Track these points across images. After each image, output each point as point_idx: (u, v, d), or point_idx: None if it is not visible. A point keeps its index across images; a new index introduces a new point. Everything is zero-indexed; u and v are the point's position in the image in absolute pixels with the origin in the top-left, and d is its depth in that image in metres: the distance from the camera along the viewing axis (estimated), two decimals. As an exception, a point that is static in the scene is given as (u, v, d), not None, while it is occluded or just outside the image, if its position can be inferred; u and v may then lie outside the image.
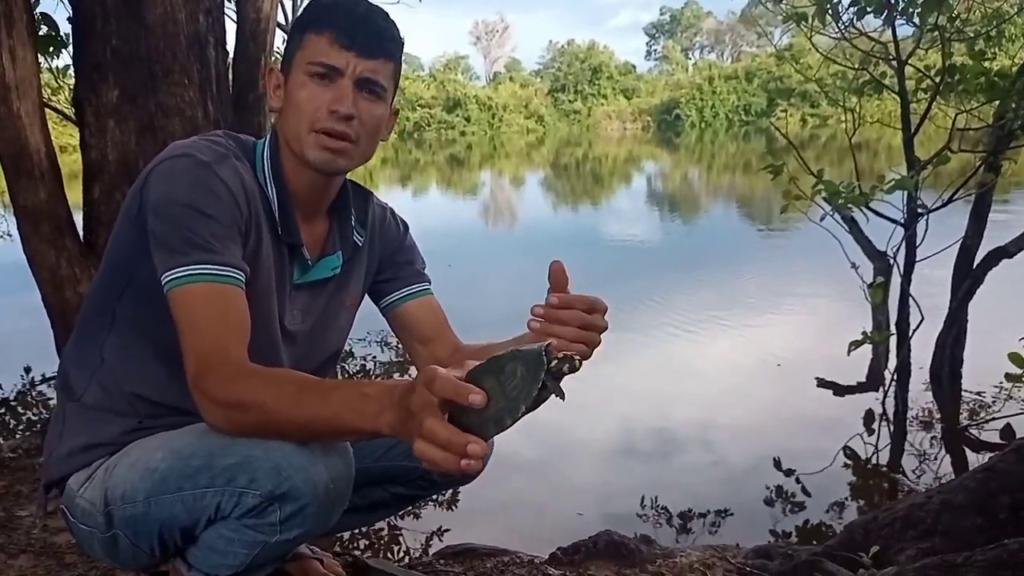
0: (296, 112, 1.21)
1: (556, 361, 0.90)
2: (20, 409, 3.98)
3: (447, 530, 2.59)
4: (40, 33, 2.99)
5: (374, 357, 4.76)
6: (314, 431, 1.04)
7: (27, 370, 4.40)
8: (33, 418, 3.84)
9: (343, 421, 0.98)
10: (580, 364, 0.92)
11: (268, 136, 1.29)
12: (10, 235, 8.29)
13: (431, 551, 2.37)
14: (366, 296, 1.49)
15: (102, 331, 1.26)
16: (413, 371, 4.34)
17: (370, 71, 1.21)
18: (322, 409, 1.00)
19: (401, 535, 2.59)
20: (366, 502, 1.46)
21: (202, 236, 1.12)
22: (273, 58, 3.99)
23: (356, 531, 2.54)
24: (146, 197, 1.16)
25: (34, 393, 4.18)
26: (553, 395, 0.90)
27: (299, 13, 1.32)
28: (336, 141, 1.21)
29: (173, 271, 1.11)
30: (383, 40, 1.22)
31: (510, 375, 0.89)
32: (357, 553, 2.22)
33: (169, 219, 1.12)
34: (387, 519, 2.55)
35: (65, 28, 3.19)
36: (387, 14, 1.25)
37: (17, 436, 3.49)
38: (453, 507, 2.76)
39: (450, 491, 2.80)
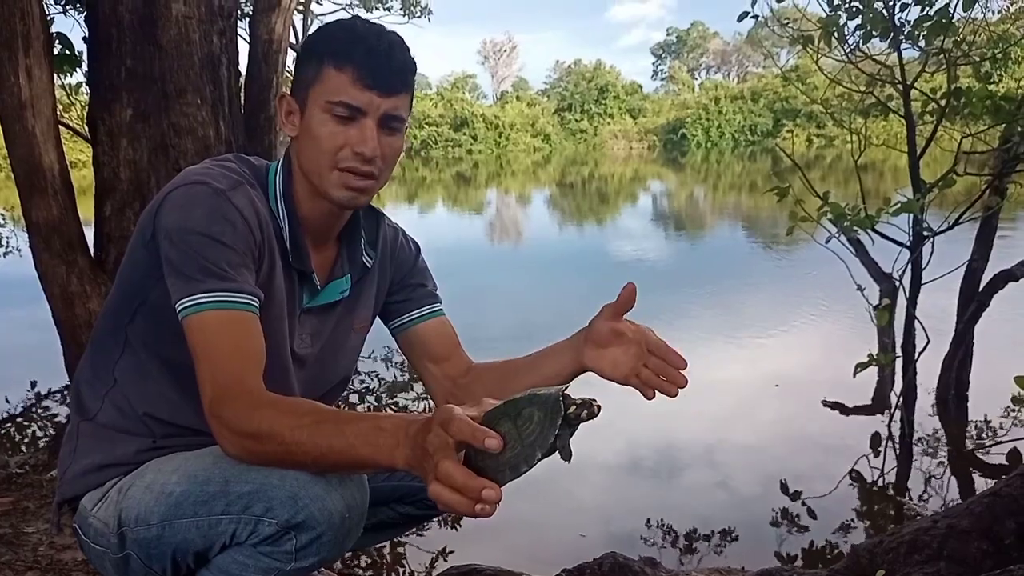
0: (317, 149, 1.21)
1: (574, 407, 0.90)
2: (26, 424, 3.99)
3: (451, 551, 2.58)
4: (55, 52, 3.03)
5: (378, 374, 4.77)
6: (329, 463, 1.04)
7: (33, 384, 4.42)
8: (39, 433, 3.85)
9: (358, 454, 0.98)
10: (599, 411, 0.91)
11: (281, 161, 1.30)
12: (19, 250, 8.37)
13: (435, 571, 2.37)
14: (376, 317, 1.49)
15: (115, 351, 1.27)
16: (419, 388, 4.36)
17: (391, 108, 1.21)
18: (337, 441, 1.00)
19: (405, 555, 2.58)
20: (373, 521, 1.45)
21: (217, 264, 1.12)
22: (285, 78, 4.03)
23: (360, 550, 2.54)
24: (160, 223, 1.16)
25: (40, 408, 4.20)
26: (559, 452, 0.89)
27: (311, 34, 1.29)
28: (360, 180, 1.21)
29: (188, 299, 1.12)
30: (404, 75, 1.22)
31: (527, 420, 0.89)
32: (360, 572, 2.22)
33: (184, 247, 1.13)
34: (392, 539, 2.55)
35: (80, 47, 3.24)
36: (403, 41, 1.23)
37: (23, 452, 3.51)
38: (457, 527, 2.76)
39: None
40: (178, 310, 1.13)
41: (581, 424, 0.91)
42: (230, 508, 1.10)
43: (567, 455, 0.90)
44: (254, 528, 1.09)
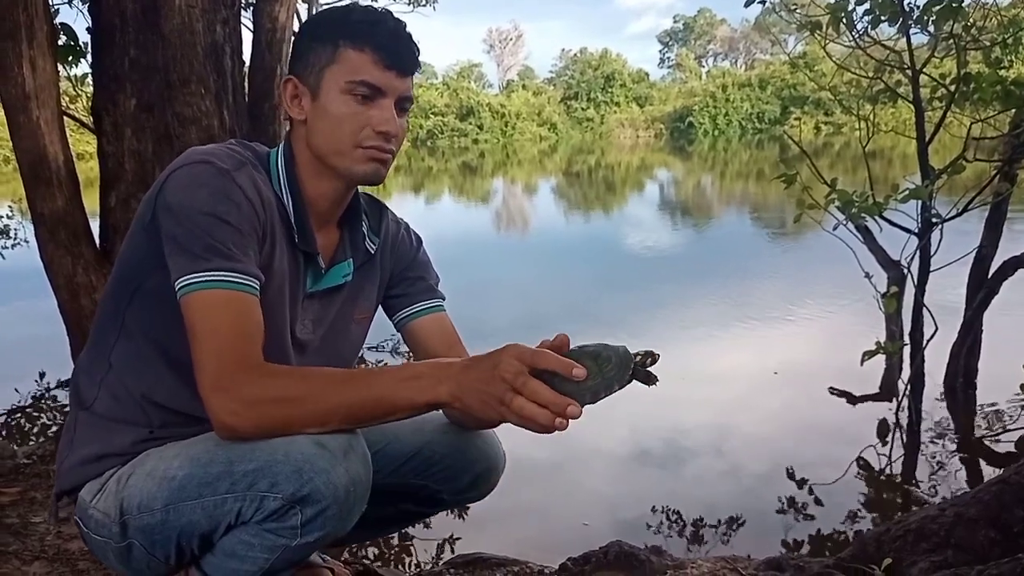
0: (337, 128, 1.22)
1: (639, 356, 1.10)
2: (35, 415, 4.02)
3: (458, 539, 2.59)
4: (59, 43, 3.03)
5: (385, 364, 4.77)
6: (361, 416, 1.10)
7: (42, 375, 4.44)
8: (48, 423, 3.88)
9: (398, 395, 1.08)
10: (659, 356, 1.11)
11: (281, 146, 1.30)
12: (27, 242, 8.40)
13: (441, 560, 2.38)
14: (379, 308, 1.49)
15: (112, 336, 1.27)
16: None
17: (407, 90, 1.25)
18: (368, 392, 1.09)
19: (411, 544, 2.59)
20: (375, 516, 1.46)
21: (223, 243, 1.13)
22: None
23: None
24: (162, 202, 1.16)
25: (48, 399, 4.22)
26: (645, 383, 1.10)
27: (317, 17, 1.30)
28: (382, 155, 1.25)
29: (190, 276, 1.12)
30: (416, 57, 1.26)
31: (606, 360, 1.06)
32: (367, 562, 2.22)
33: (190, 225, 1.13)
34: (391, 534, 2.56)
35: (84, 37, 3.23)
36: (407, 26, 1.27)
37: (31, 442, 3.53)
38: (464, 516, 2.76)
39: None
40: (178, 287, 1.12)
41: (647, 368, 1.10)
42: (235, 487, 1.11)
43: (654, 380, 1.10)
44: (259, 504, 1.10)
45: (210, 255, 1.12)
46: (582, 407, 1.02)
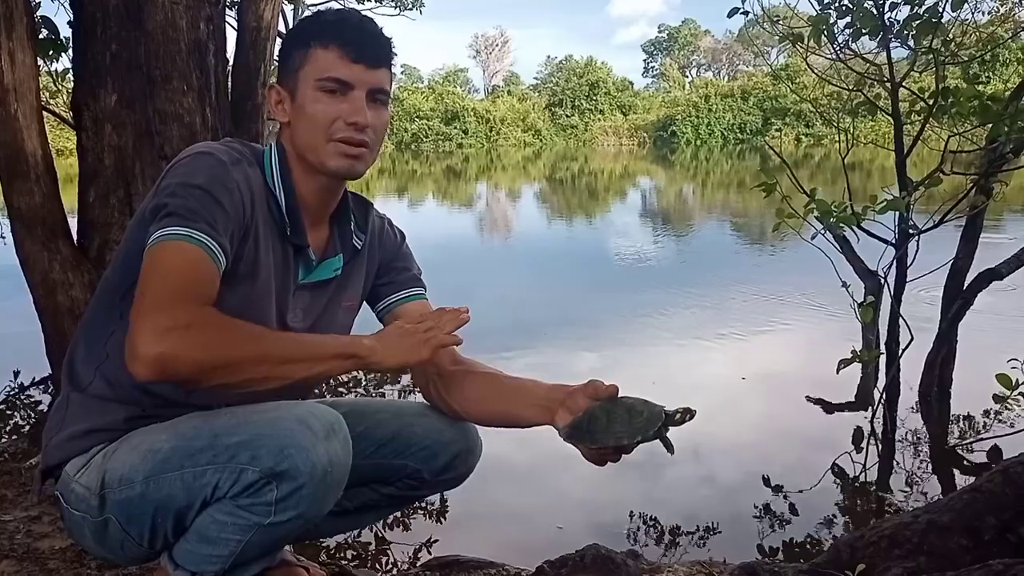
0: (312, 125, 1.28)
1: (678, 415, 1.24)
2: (8, 413, 3.96)
3: (435, 541, 2.58)
4: (40, 36, 3.00)
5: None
6: (290, 358, 1.16)
7: (16, 374, 4.38)
8: (21, 422, 3.82)
9: (324, 345, 1.22)
10: (695, 412, 1.25)
11: (274, 145, 1.36)
12: (3, 237, 8.30)
13: (418, 562, 2.37)
14: (365, 304, 1.55)
15: (108, 327, 1.31)
16: (407, 379, 4.34)
17: (378, 82, 1.29)
18: (300, 348, 1.19)
19: (388, 546, 2.58)
20: (356, 503, 1.49)
21: (210, 213, 1.18)
22: (272, 67, 3.99)
23: (343, 540, 2.53)
24: (163, 186, 1.21)
25: (22, 397, 4.16)
26: (667, 450, 1.25)
27: (294, 27, 1.40)
28: (355, 148, 1.28)
29: (169, 229, 1.15)
30: (386, 50, 1.31)
31: (638, 413, 1.22)
32: (344, 563, 2.21)
33: (184, 196, 1.18)
34: (375, 525, 2.55)
35: (65, 32, 3.20)
36: (376, 22, 1.33)
37: (3, 440, 3.47)
38: (441, 518, 2.76)
39: (439, 500, 2.81)
40: (153, 237, 1.15)
41: (679, 424, 1.24)
42: (217, 458, 1.14)
43: (671, 449, 1.25)
44: (238, 477, 1.12)
45: (195, 218, 1.16)
46: (606, 445, 1.24)
